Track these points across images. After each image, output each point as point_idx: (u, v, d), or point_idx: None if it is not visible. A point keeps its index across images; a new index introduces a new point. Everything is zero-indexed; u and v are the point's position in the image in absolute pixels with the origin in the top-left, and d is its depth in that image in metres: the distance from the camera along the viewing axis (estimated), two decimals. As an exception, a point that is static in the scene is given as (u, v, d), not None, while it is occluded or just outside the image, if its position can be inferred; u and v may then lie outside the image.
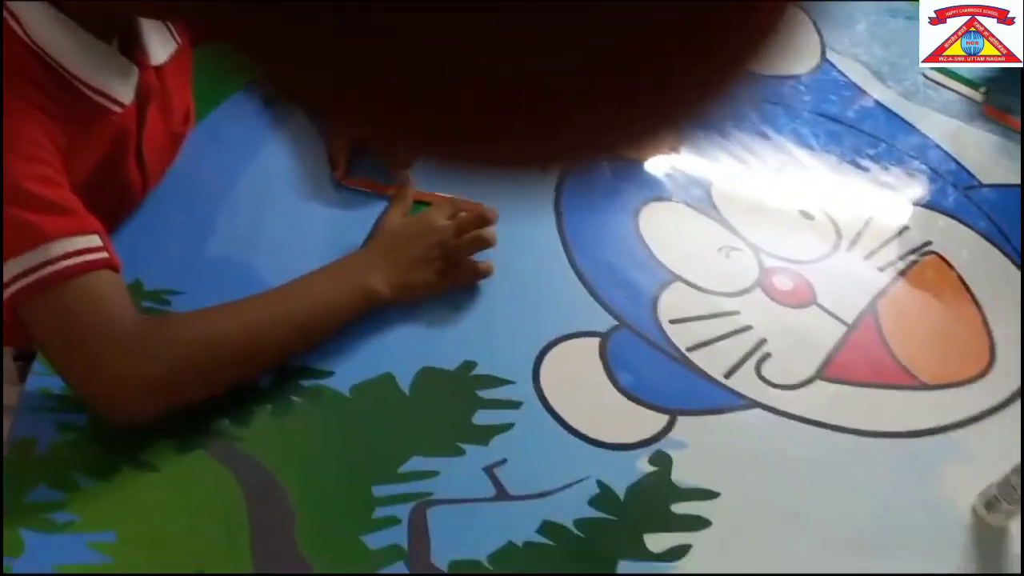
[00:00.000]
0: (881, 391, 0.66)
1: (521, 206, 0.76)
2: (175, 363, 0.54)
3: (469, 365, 0.62)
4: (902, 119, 0.96)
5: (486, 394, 0.61)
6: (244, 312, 0.57)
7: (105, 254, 0.54)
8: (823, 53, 1.06)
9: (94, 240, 0.54)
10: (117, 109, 0.60)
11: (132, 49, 0.63)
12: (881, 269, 0.76)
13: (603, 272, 0.71)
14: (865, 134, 0.93)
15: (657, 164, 0.84)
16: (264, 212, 0.73)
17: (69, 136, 0.57)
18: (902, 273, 0.75)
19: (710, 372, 0.64)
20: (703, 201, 0.80)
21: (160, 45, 0.66)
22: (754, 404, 0.63)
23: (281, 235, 0.71)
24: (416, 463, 0.56)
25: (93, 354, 0.52)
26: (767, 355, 0.66)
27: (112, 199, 0.65)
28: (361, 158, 0.77)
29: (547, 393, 0.61)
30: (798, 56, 1.04)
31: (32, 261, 0.51)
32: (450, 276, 0.66)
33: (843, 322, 0.70)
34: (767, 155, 0.88)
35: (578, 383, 0.63)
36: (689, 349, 0.66)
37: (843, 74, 1.02)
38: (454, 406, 0.60)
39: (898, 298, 0.73)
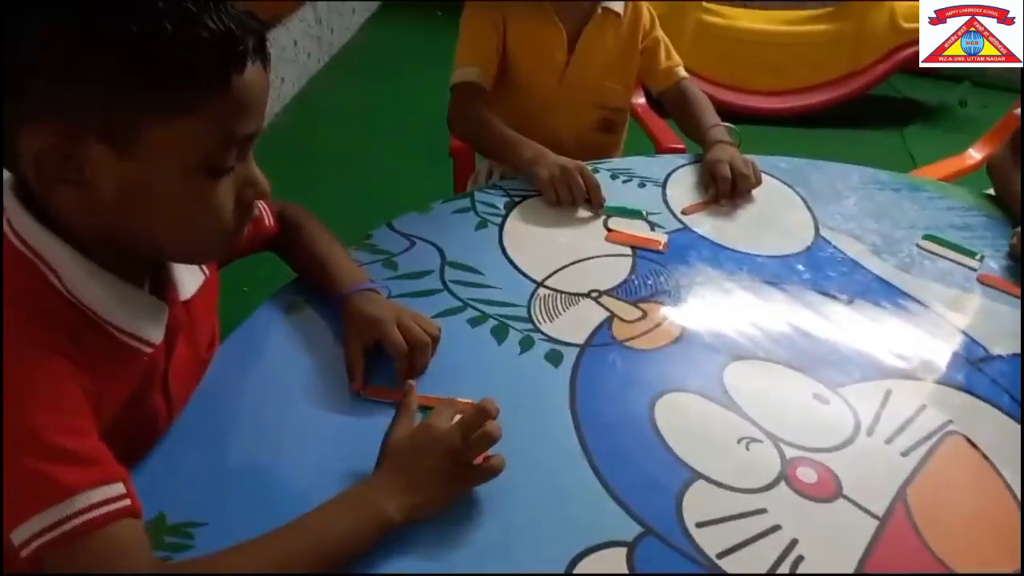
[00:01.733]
0: (924, 589, 0.64)
1: (538, 410, 0.77)
2: None
3: (497, 588, 0.61)
4: (901, 291, 0.99)
5: (514, 620, 0.59)
6: (262, 554, 0.57)
7: (128, 502, 0.55)
8: (816, 230, 1.10)
9: (118, 488, 0.55)
10: (148, 350, 0.63)
11: (163, 286, 0.67)
12: (904, 454, 0.75)
13: (624, 473, 0.71)
14: (867, 307, 0.95)
15: (666, 356, 0.85)
16: (285, 430, 0.74)
17: (100, 381, 0.59)
18: (926, 457, 0.74)
19: (744, 581, 0.62)
20: (716, 389, 0.81)
21: (190, 279, 0.70)
22: (794, 614, 0.60)
23: (303, 453, 0.72)
24: None
25: None
26: (800, 558, 0.65)
27: (139, 431, 0.67)
28: (378, 366, 0.79)
29: (578, 615, 0.59)
30: (793, 236, 1.09)
31: (56, 516, 0.52)
32: (463, 481, 0.66)
33: (873, 515, 0.69)
34: (773, 336, 0.90)
35: (609, 601, 0.61)
36: (719, 555, 0.64)
37: (839, 250, 1.06)
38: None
39: (926, 484, 0.72)
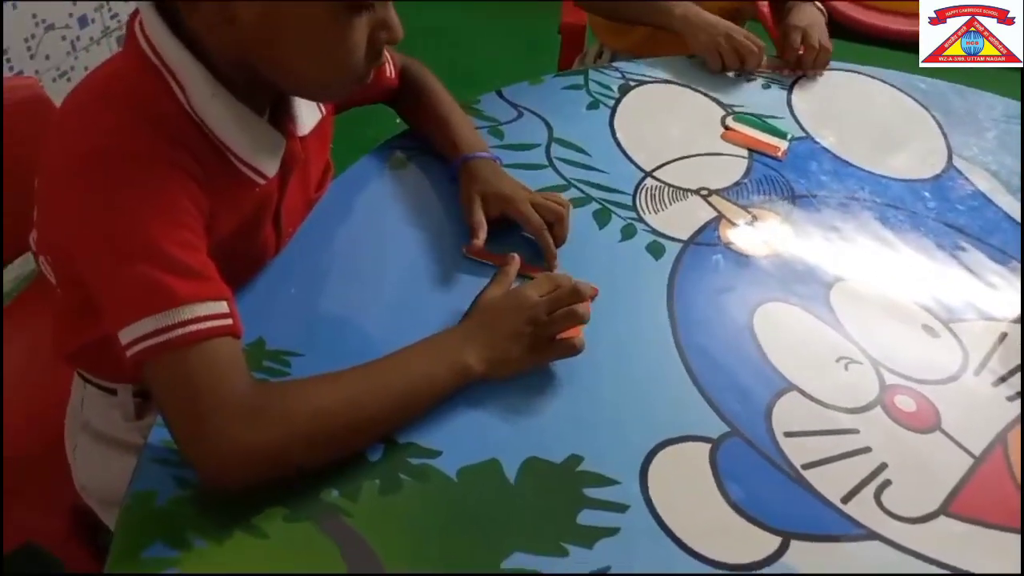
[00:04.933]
0: (1010, 535, 0.62)
1: (634, 299, 0.76)
2: (281, 433, 0.54)
3: (575, 459, 0.61)
4: (1033, 235, 0.92)
5: (592, 493, 0.60)
6: (348, 385, 0.58)
7: (230, 321, 0.56)
8: (949, 159, 1.03)
9: (222, 306, 0.56)
10: (262, 181, 0.63)
11: (282, 119, 0.66)
12: (1010, 399, 0.72)
13: (716, 373, 0.70)
14: (993, 248, 0.89)
15: (772, 264, 0.82)
16: (382, 277, 0.74)
17: (213, 201, 0.60)
18: (1036, 405, 0.71)
19: (827, 495, 0.62)
20: (821, 306, 0.78)
21: (308, 115, 0.69)
22: (873, 535, 0.60)
23: (398, 301, 0.72)
24: (519, 559, 0.55)
25: (203, 419, 0.53)
26: (887, 482, 0.63)
27: (246, 261, 0.68)
28: (497, 232, 0.78)
29: (654, 499, 0.60)
30: (923, 160, 1.02)
31: (163, 323, 0.53)
32: (541, 352, 0.66)
33: (970, 453, 0.66)
34: (888, 262, 0.85)
35: (687, 491, 0.61)
36: (804, 467, 0.63)
37: (970, 181, 0.99)
38: (559, 502, 0.59)
39: (1031, 433, 0.69)
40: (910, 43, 3.01)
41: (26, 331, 0.95)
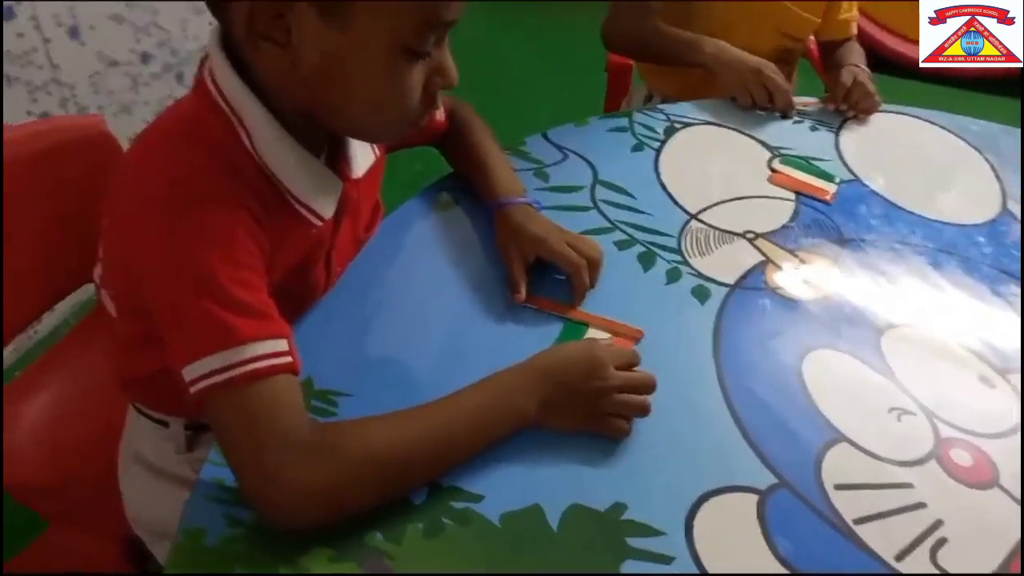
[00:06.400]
0: (1075, 599, 0.59)
1: (679, 343, 0.75)
2: (339, 470, 0.55)
3: (620, 508, 0.61)
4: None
5: (636, 543, 0.59)
6: (406, 426, 0.59)
7: (290, 358, 0.57)
8: (1004, 202, 1.01)
9: (282, 344, 0.57)
10: (320, 223, 0.65)
11: (338, 161, 0.68)
12: (1074, 454, 0.69)
13: (764, 422, 0.69)
14: (1052, 296, 0.87)
15: (821, 310, 0.81)
16: (431, 318, 0.75)
17: (273, 242, 0.61)
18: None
19: (879, 551, 0.60)
20: (872, 353, 0.77)
21: (363, 157, 0.71)
22: (929, 596, 0.58)
23: (446, 342, 0.73)
24: (561, 608, 0.55)
25: (263, 455, 0.54)
26: (944, 540, 0.61)
27: (297, 300, 0.69)
28: (541, 278, 0.79)
29: (700, 551, 0.59)
30: (976, 204, 1.00)
31: (226, 361, 0.54)
32: (593, 422, 0.65)
33: (1031, 511, 0.64)
34: (941, 308, 0.84)
35: (734, 544, 0.60)
36: (856, 522, 0.62)
37: (1026, 227, 0.97)
38: (602, 551, 0.58)
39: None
40: (965, 80, 2.97)
41: (83, 359, 0.98)
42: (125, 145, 0.80)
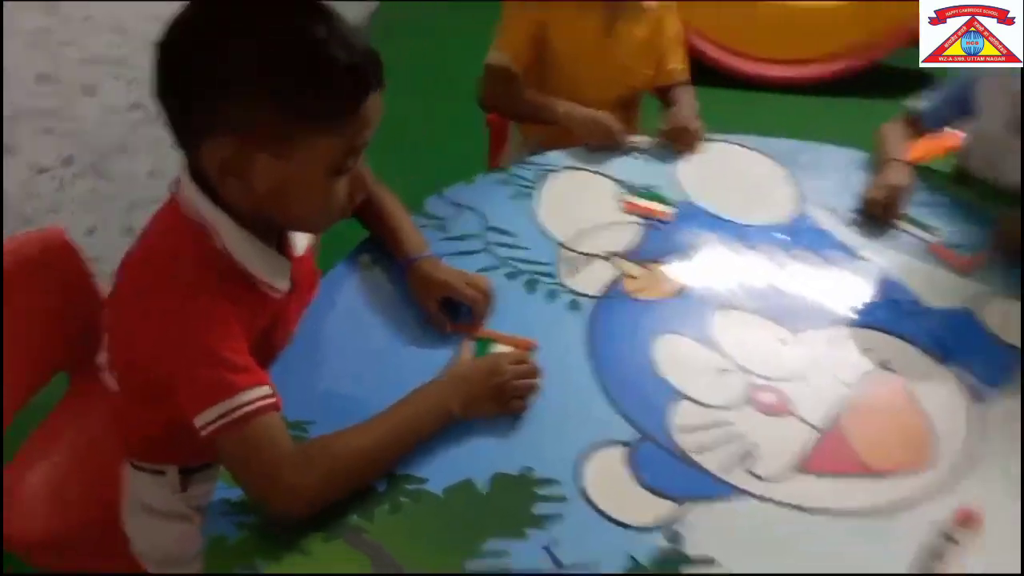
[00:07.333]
0: (847, 480, 0.86)
1: (562, 346, 1.00)
2: (327, 472, 0.76)
3: (528, 469, 0.84)
4: (860, 255, 1.19)
5: (542, 491, 0.82)
6: (370, 431, 0.80)
7: (274, 399, 0.78)
8: (800, 203, 1.30)
9: (266, 389, 0.77)
10: (278, 296, 0.86)
11: (284, 246, 0.89)
12: (846, 385, 0.97)
13: (627, 393, 0.93)
14: (832, 266, 1.15)
15: (666, 306, 1.07)
16: (370, 353, 0.97)
17: (246, 319, 0.82)
18: (861, 387, 0.96)
19: (712, 470, 0.85)
20: (704, 332, 1.03)
21: (301, 241, 0.92)
22: (746, 494, 0.83)
23: (384, 368, 0.94)
24: (493, 544, 0.77)
25: (266, 472, 0.75)
26: (755, 455, 0.87)
27: (265, 358, 0.90)
28: (453, 311, 1.01)
29: (588, 489, 0.82)
30: (778, 208, 1.28)
31: (228, 407, 0.74)
32: (503, 405, 0.89)
33: (816, 428, 0.91)
34: (750, 292, 1.11)
35: (611, 481, 0.83)
36: (695, 452, 0.87)
37: (816, 220, 1.26)
38: (519, 501, 0.81)
39: (860, 408, 0.94)
40: (785, 86, 3.41)
41: (81, 423, 1.17)
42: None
